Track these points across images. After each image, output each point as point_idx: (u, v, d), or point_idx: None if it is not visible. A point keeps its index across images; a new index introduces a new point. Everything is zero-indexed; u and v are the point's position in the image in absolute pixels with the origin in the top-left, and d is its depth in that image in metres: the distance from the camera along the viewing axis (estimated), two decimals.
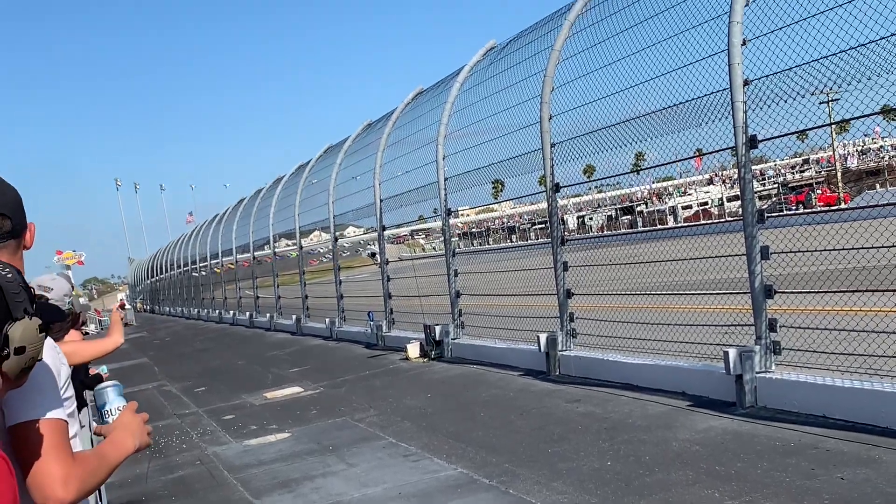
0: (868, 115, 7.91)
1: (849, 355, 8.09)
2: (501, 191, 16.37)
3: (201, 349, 27.80)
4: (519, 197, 16.32)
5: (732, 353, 8.81)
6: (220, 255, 39.43)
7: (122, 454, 2.58)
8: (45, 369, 2.36)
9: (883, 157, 54.01)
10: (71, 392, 2.49)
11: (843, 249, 8.06)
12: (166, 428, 13.20)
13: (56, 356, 2.47)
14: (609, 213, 63.47)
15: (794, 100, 8.49)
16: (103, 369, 7.68)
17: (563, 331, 12.45)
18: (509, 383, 12.54)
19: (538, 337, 12.53)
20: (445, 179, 15.86)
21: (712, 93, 9.44)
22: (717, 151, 9.81)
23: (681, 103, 9.98)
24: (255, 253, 33.37)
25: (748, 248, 8.99)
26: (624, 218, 64.36)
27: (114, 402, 3.13)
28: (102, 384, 3.22)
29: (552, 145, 12.39)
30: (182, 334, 37.31)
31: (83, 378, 6.24)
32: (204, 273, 44.90)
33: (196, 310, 47.40)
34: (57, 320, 3.32)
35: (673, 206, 62.71)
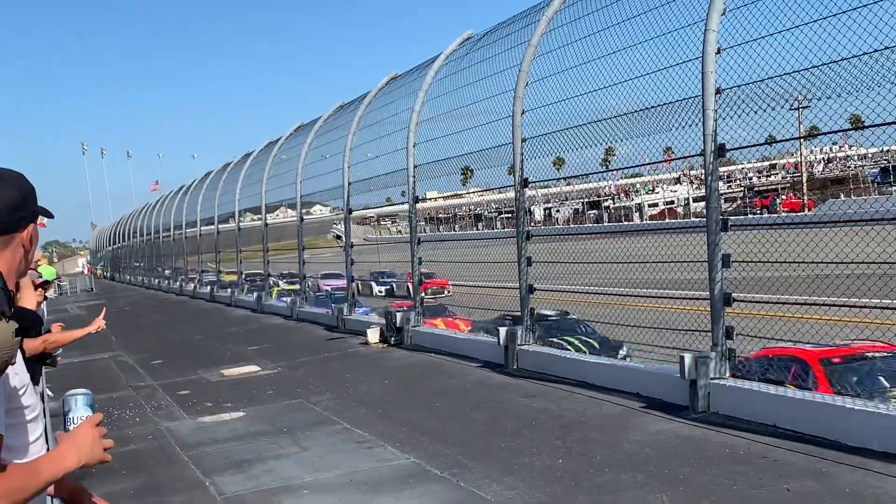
0: (835, 132, 8.02)
1: None
2: (471, 177, 16.37)
3: (160, 321, 27.64)
4: (488, 189, 16.33)
5: (688, 358, 8.89)
6: (184, 226, 39.10)
7: (58, 470, 2.31)
8: None
9: (849, 167, 54.63)
10: (30, 400, 2.37)
11: (801, 262, 8.17)
12: (120, 400, 13.12)
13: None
14: (576, 207, 63.74)
15: (765, 111, 8.58)
16: (59, 353, 7.64)
17: (522, 325, 12.50)
18: (467, 375, 12.59)
19: (498, 330, 12.58)
20: (415, 167, 15.81)
21: (684, 99, 9.50)
22: (686, 157, 9.88)
23: (652, 107, 10.05)
24: (220, 226, 33.13)
25: (710, 256, 9.05)
26: (591, 212, 64.69)
27: (78, 410, 3.09)
28: (73, 391, 3.16)
29: (523, 140, 12.42)
30: (142, 304, 37.01)
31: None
32: (166, 242, 44.51)
33: (157, 280, 46.99)
34: (35, 326, 3.12)
35: (639, 204, 63.11)
